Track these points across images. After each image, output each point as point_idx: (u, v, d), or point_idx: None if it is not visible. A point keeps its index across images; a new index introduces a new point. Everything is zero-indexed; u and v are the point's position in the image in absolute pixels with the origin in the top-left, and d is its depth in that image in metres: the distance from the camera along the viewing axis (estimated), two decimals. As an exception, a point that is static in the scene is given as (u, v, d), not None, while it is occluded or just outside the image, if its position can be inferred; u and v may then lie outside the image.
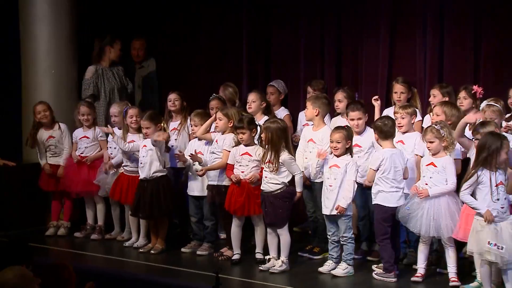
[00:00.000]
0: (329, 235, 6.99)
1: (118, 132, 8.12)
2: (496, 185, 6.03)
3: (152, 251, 7.79)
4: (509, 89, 7.08)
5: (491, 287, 6.14)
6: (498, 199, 6.02)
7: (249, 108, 7.79)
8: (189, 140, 8.02)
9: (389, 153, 6.72)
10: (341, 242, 6.90)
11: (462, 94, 7.21)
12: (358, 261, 7.20)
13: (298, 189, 7.01)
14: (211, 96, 8.04)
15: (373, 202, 6.81)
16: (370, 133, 7.12)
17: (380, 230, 6.77)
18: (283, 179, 6.98)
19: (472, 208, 6.13)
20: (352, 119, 7.27)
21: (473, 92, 7.12)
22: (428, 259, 6.75)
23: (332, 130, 6.97)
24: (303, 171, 7.18)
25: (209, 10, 9.42)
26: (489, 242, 5.97)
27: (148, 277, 7.15)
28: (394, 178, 6.69)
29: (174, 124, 8.22)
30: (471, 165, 6.26)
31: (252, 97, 7.85)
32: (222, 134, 7.52)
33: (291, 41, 8.99)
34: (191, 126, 7.83)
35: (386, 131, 6.75)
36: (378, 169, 6.70)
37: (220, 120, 7.49)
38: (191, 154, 7.57)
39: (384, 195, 6.72)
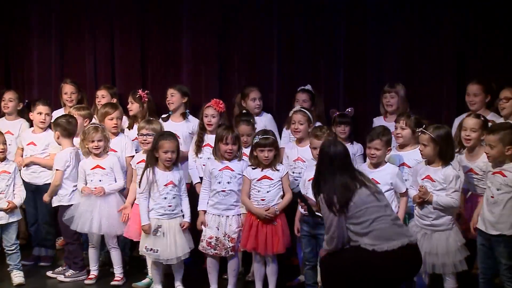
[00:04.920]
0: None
1: None
2: (166, 185, 6.23)
3: None
4: None
5: (161, 284, 6.38)
6: (165, 198, 6.23)
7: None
8: None
9: (73, 152, 6.74)
10: (9, 251, 6.62)
11: (130, 99, 7.43)
12: (29, 267, 7.02)
13: None
14: None
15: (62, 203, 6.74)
16: None
17: (70, 231, 6.69)
18: None
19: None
20: (40, 113, 7.18)
21: (138, 96, 7.36)
22: (99, 260, 6.82)
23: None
24: None
25: None
26: (146, 247, 6.24)
27: None
28: (72, 177, 6.73)
29: None
30: None
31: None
32: None
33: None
34: None
35: (70, 129, 6.75)
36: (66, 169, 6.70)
37: None
38: None
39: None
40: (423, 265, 5.52)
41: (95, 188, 6.55)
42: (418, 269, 5.20)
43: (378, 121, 7.05)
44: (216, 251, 6.19)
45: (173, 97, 7.30)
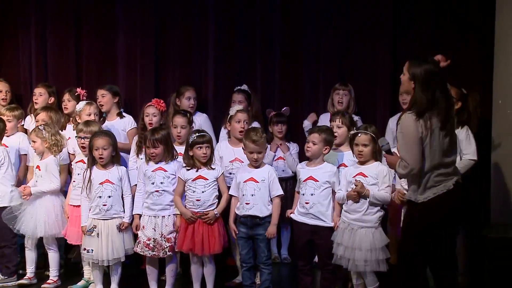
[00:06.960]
0: None
1: None
2: (101, 183, 6.20)
3: None
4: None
5: (102, 284, 6.34)
6: (100, 197, 6.20)
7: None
8: None
9: (4, 151, 6.69)
10: None
11: (66, 96, 7.37)
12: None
13: None
14: None
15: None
16: None
17: (8, 234, 6.60)
18: None
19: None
20: None
21: (76, 94, 7.31)
22: (35, 262, 6.71)
23: None
24: None
25: None
26: (84, 248, 6.23)
27: None
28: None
29: None
30: None
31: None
32: None
33: None
34: None
35: None
36: None
37: None
38: None
39: None
40: (344, 260, 5.68)
41: (24, 189, 6.49)
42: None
43: (325, 117, 7.10)
44: (154, 253, 6.17)
45: (104, 97, 7.22)
